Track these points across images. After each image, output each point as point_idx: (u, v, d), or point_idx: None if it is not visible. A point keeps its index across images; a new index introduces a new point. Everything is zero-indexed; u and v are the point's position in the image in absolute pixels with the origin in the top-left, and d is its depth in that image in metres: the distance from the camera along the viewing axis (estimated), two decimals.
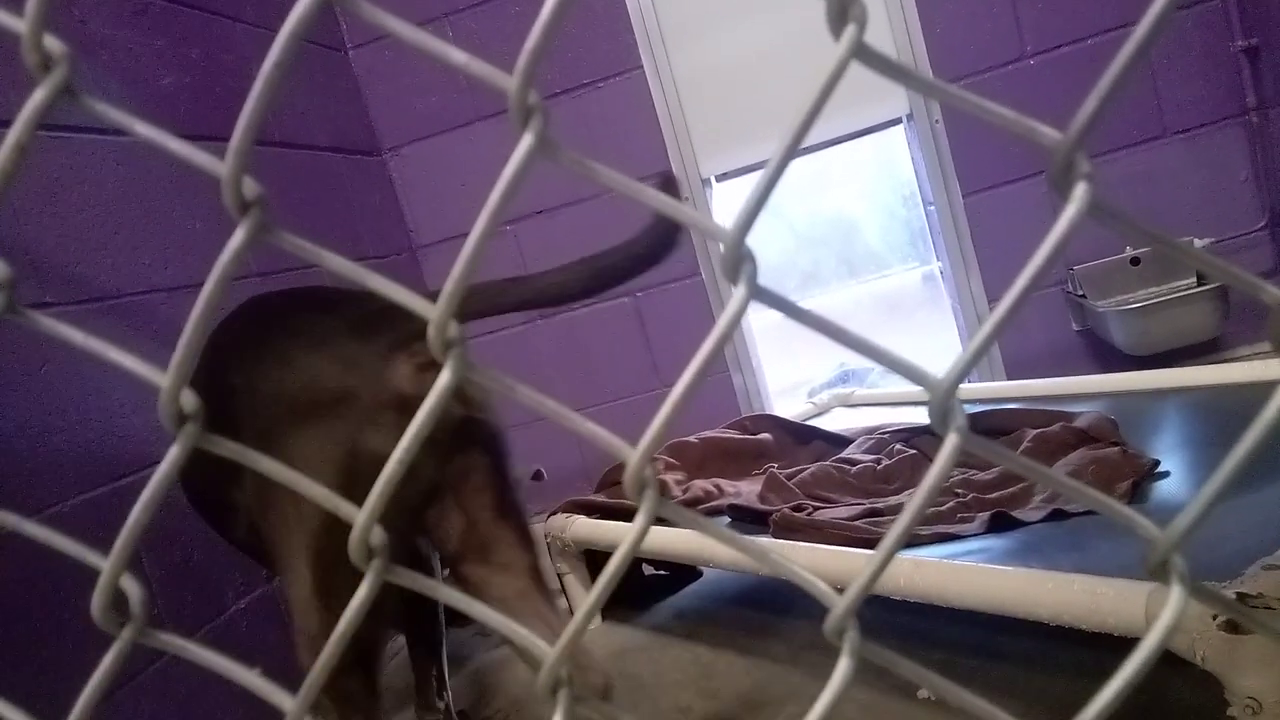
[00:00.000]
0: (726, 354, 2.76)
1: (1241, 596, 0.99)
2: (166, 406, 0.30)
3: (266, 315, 1.22)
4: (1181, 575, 0.27)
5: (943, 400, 0.27)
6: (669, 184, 1.10)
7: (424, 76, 2.75)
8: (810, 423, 2.38)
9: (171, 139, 0.32)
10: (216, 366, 1.17)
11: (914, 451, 1.95)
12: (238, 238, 0.30)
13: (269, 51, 0.29)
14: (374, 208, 2.73)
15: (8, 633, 1.32)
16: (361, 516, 0.30)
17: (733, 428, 2.33)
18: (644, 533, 0.31)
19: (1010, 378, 2.56)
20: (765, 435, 2.27)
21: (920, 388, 0.28)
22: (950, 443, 0.28)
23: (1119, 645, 1.04)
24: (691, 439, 2.25)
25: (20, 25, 0.31)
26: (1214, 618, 0.95)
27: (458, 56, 0.31)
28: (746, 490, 1.99)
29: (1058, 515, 1.46)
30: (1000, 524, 1.49)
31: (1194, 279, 2.38)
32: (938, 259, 2.77)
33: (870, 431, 2.16)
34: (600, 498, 2.08)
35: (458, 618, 1.98)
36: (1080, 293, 2.47)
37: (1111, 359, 2.49)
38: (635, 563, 2.08)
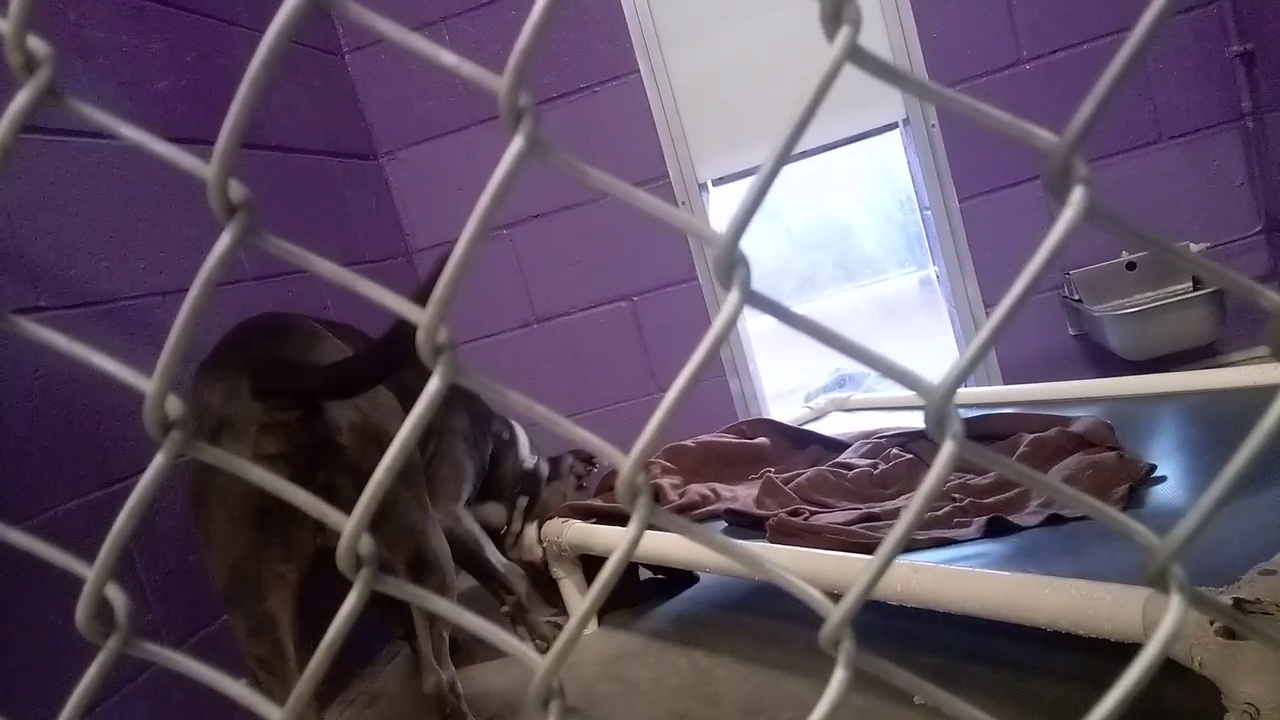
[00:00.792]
0: (723, 358, 2.76)
1: (1238, 602, 0.98)
2: (151, 413, 0.29)
3: (229, 338, 1.49)
4: (1181, 584, 0.27)
5: (939, 407, 0.27)
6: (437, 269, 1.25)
7: (420, 81, 2.75)
8: (807, 427, 2.37)
9: (157, 141, 0.31)
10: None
11: (910, 456, 1.94)
12: (223, 242, 0.29)
13: (255, 53, 0.29)
14: (370, 212, 2.72)
15: None
16: (349, 525, 0.30)
17: (729, 432, 2.32)
18: (636, 542, 0.30)
19: (1006, 382, 2.56)
20: (762, 439, 2.26)
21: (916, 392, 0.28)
22: (946, 450, 0.27)
23: (1116, 650, 1.04)
24: (688, 443, 2.24)
25: (3, 26, 0.31)
26: (1211, 623, 0.95)
27: (447, 59, 0.30)
28: (743, 495, 1.98)
29: (1054, 520, 1.45)
30: (997, 529, 1.49)
31: (1190, 284, 2.38)
32: (934, 263, 2.78)
33: (867, 436, 2.16)
34: (597, 502, 2.07)
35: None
36: (1076, 297, 2.47)
37: (1107, 363, 2.49)
38: (631, 566, 2.07)
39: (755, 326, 2.89)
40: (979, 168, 2.55)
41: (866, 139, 2.67)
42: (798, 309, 0.30)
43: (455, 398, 2.13)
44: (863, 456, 2.04)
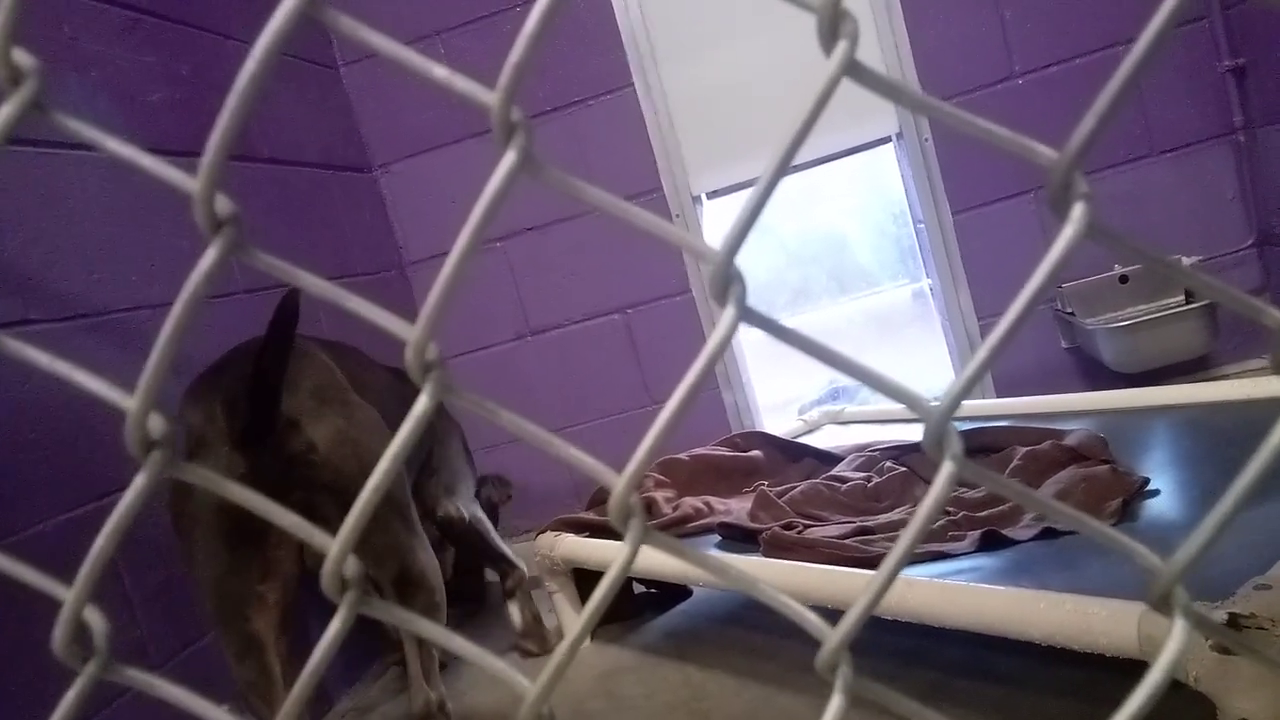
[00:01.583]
0: (716, 371, 2.75)
1: (1233, 617, 0.98)
2: (133, 432, 0.28)
3: (220, 359, 1.51)
4: (1185, 608, 0.26)
5: (938, 427, 0.26)
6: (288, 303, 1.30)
7: (415, 93, 2.75)
8: (801, 440, 2.37)
9: (143, 155, 0.31)
10: None
11: (904, 469, 1.94)
12: (208, 258, 0.29)
13: (242, 68, 0.28)
14: (364, 224, 2.72)
15: None
16: (335, 548, 0.29)
17: (723, 445, 2.32)
18: (629, 563, 0.30)
19: (1000, 395, 2.56)
20: (755, 452, 2.26)
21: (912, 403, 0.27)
22: (946, 470, 0.27)
23: (1112, 665, 1.03)
24: (682, 456, 2.24)
25: None
26: (1206, 638, 0.94)
27: (439, 73, 0.30)
28: (737, 508, 1.97)
29: (1048, 534, 1.45)
30: (991, 542, 1.48)
31: (1183, 296, 2.39)
32: (927, 276, 2.78)
33: (861, 449, 2.15)
34: (589, 515, 2.06)
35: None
36: (1069, 310, 2.48)
37: (1100, 376, 2.49)
38: (625, 581, 2.06)
39: (748, 339, 2.88)
40: (972, 181, 2.55)
41: (860, 152, 2.68)
42: (791, 321, 0.30)
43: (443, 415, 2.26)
44: (856, 470, 2.03)
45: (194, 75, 2.06)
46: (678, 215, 2.71)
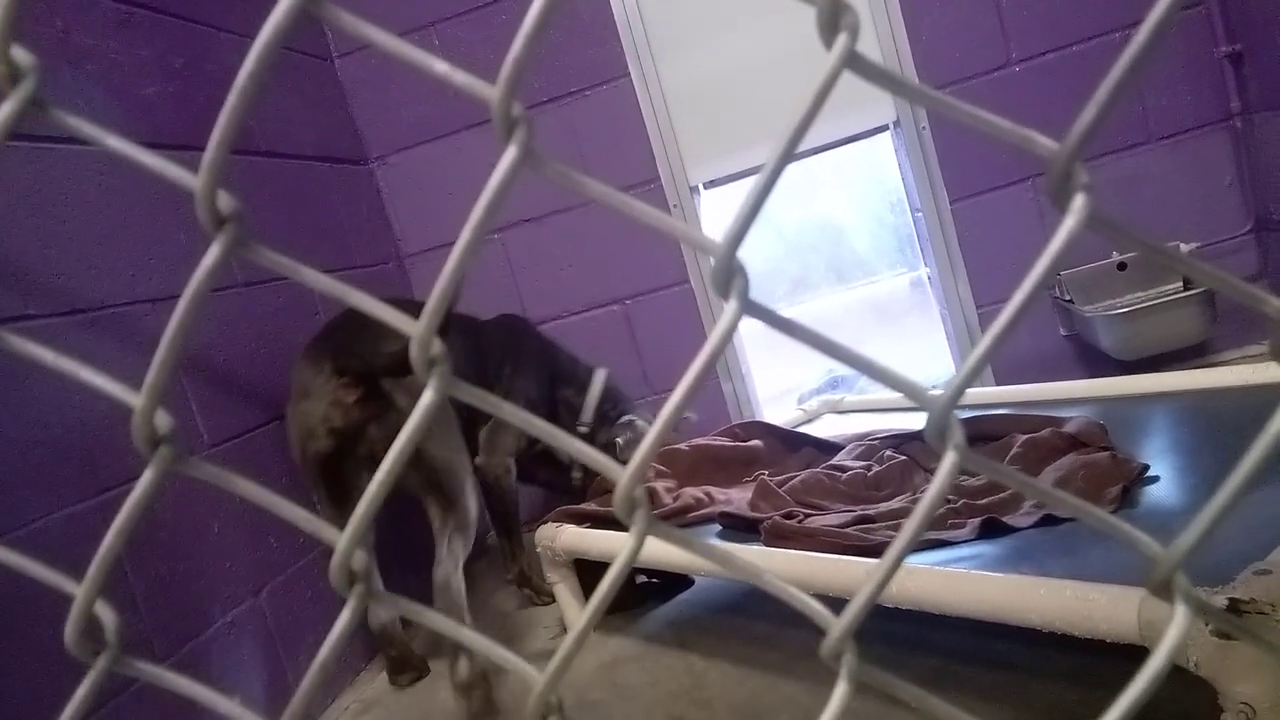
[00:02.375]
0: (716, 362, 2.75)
1: (1233, 601, 0.98)
2: (139, 429, 0.29)
3: (333, 321, 1.86)
4: (1186, 594, 0.27)
5: (940, 417, 0.27)
6: None
7: (411, 85, 2.74)
8: (801, 429, 2.37)
9: (144, 152, 0.31)
10: None
11: (904, 458, 1.94)
12: (212, 255, 0.29)
13: (243, 63, 0.28)
14: (361, 217, 2.71)
15: None
16: (342, 542, 0.29)
17: (723, 435, 2.32)
18: (634, 555, 0.30)
19: (999, 383, 2.57)
20: (756, 442, 2.26)
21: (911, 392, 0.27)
22: (949, 461, 0.27)
23: (1112, 650, 1.04)
24: (682, 446, 2.24)
25: None
26: (1206, 623, 0.95)
27: (439, 67, 0.30)
28: (737, 498, 1.98)
29: (1048, 520, 1.45)
30: (991, 530, 1.49)
31: (1181, 283, 2.39)
32: (925, 264, 2.78)
33: (861, 438, 2.15)
34: (591, 506, 2.07)
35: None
36: (1067, 298, 2.48)
37: (1099, 363, 2.49)
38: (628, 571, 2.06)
39: (748, 329, 2.89)
40: (969, 170, 2.55)
41: (858, 141, 2.68)
42: (789, 311, 0.30)
43: (524, 361, 2.35)
44: (856, 458, 2.04)
45: (188, 68, 2.05)
46: (675, 205, 2.71)
